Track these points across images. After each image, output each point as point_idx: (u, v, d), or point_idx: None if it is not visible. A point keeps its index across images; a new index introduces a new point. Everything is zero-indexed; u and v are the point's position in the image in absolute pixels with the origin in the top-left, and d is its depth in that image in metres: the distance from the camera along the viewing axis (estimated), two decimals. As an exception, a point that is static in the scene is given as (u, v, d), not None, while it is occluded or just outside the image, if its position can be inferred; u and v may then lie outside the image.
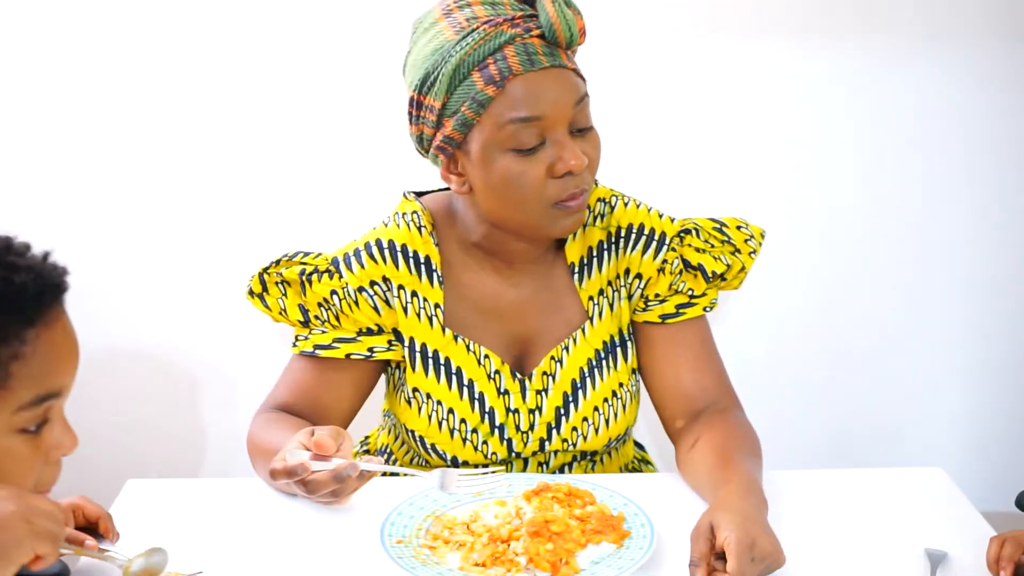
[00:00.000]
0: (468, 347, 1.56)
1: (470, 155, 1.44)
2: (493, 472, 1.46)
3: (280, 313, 1.57)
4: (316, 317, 1.55)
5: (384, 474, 1.66)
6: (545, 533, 1.30)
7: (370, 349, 1.55)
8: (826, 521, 1.42)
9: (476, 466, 1.59)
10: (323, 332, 1.55)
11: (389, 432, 1.70)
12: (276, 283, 1.57)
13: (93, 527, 1.45)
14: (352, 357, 1.55)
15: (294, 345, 1.58)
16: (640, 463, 1.77)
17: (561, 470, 1.61)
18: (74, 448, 1.11)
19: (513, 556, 1.28)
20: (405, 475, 1.54)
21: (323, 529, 1.41)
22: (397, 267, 1.55)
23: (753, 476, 1.38)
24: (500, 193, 1.45)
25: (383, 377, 1.64)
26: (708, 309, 1.60)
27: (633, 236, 1.59)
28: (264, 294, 1.57)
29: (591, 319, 1.59)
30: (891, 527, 1.38)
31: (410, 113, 1.48)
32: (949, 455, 2.43)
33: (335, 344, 1.55)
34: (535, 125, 1.41)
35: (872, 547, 1.35)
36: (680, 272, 1.58)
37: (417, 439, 1.58)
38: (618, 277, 1.60)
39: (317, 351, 1.55)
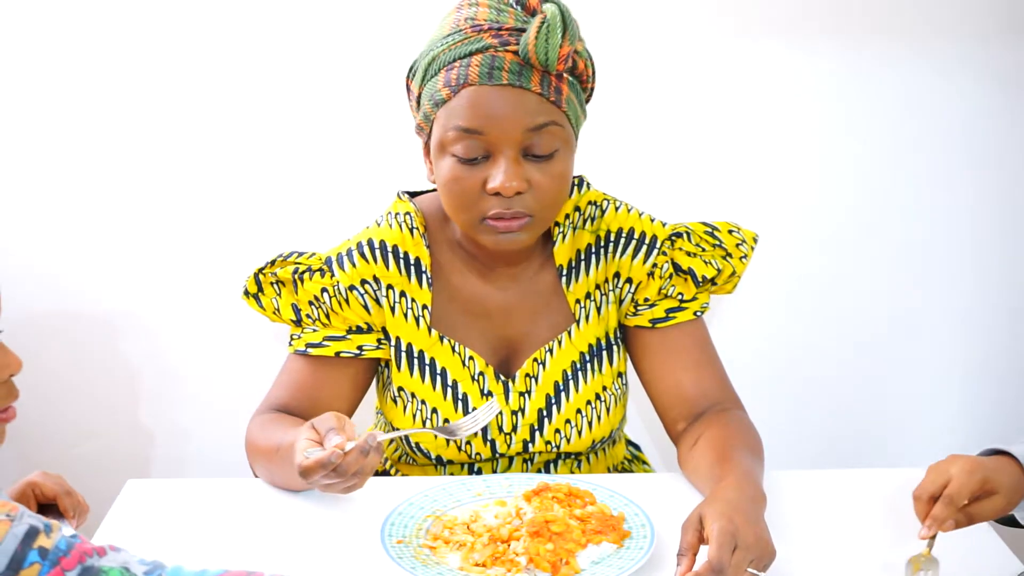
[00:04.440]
0: (453, 348, 1.57)
1: (431, 147, 1.47)
2: (485, 407, 1.46)
3: (274, 313, 1.58)
4: (307, 316, 1.56)
5: (392, 443, 1.69)
6: (545, 533, 1.30)
7: (359, 347, 1.56)
8: (824, 521, 1.42)
9: (462, 465, 1.60)
10: (314, 331, 1.56)
11: (381, 430, 1.70)
12: (271, 283, 1.58)
13: (53, 506, 1.43)
14: (342, 355, 1.56)
15: (289, 344, 1.59)
16: (631, 463, 1.77)
17: (546, 468, 1.62)
18: (19, 367, 1.14)
19: (513, 556, 1.28)
20: (438, 456, 1.58)
21: (323, 529, 1.41)
22: (387, 267, 1.56)
23: (750, 470, 1.38)
24: (444, 191, 1.47)
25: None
26: (699, 313, 1.60)
27: (623, 240, 1.59)
28: (259, 294, 1.59)
29: (577, 322, 1.59)
30: (890, 527, 1.38)
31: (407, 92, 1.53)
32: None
33: (325, 342, 1.55)
34: (476, 138, 1.41)
35: (871, 547, 1.35)
36: (670, 276, 1.58)
37: (403, 438, 1.59)
38: (607, 281, 1.60)
39: (309, 349, 1.56)
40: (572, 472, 1.63)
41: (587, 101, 1.52)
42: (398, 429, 1.59)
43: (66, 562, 0.95)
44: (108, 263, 2.29)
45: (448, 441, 1.56)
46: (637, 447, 1.82)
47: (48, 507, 1.44)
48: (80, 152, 2.23)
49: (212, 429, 2.35)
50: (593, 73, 1.49)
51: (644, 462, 1.81)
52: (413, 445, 1.58)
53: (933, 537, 1.25)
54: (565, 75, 1.43)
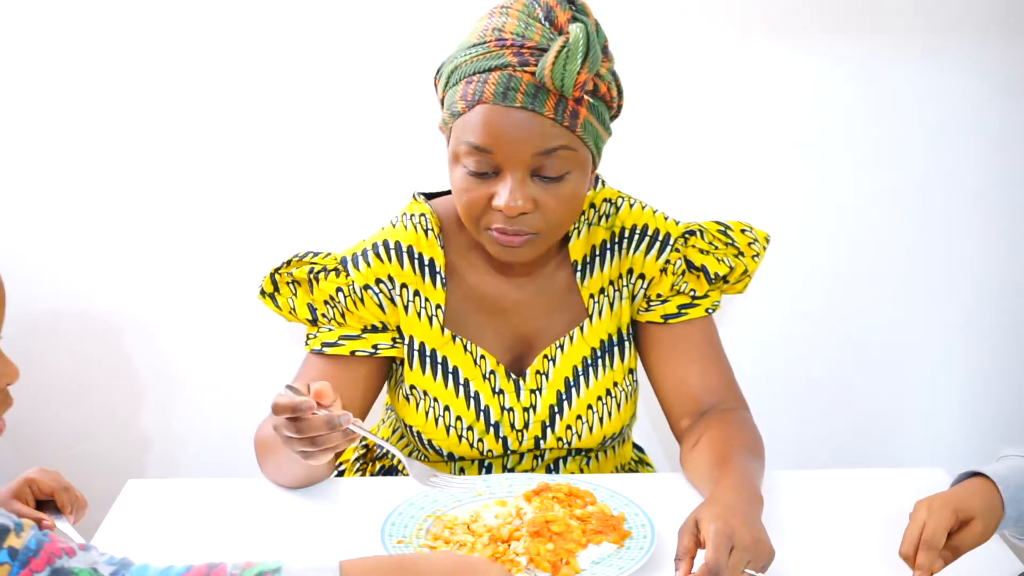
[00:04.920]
0: (465, 347, 1.57)
1: (448, 153, 1.48)
2: (464, 480, 1.49)
3: (290, 312, 1.59)
4: (323, 315, 1.57)
5: (366, 443, 1.74)
6: (546, 533, 1.30)
7: (374, 346, 1.56)
8: (826, 521, 1.42)
9: (472, 461, 1.61)
10: (330, 330, 1.57)
11: (390, 427, 1.71)
12: (287, 283, 1.58)
13: (50, 502, 1.44)
14: (357, 354, 1.56)
15: (305, 344, 1.59)
16: (637, 464, 1.77)
17: (555, 464, 1.62)
18: (16, 377, 1.10)
19: (514, 556, 1.28)
20: (386, 450, 1.60)
21: (323, 529, 1.41)
22: (402, 267, 1.56)
23: (748, 473, 1.38)
24: (455, 198, 1.48)
25: None
26: (711, 311, 1.61)
27: (637, 236, 1.60)
28: (275, 294, 1.59)
29: (590, 317, 1.59)
30: (891, 527, 1.38)
31: None
32: (949, 455, 2.43)
33: (341, 341, 1.56)
34: (485, 156, 1.41)
35: (872, 547, 1.35)
36: (683, 273, 1.59)
37: (415, 434, 1.59)
38: (620, 277, 1.61)
39: (324, 348, 1.56)
40: (581, 469, 1.64)
41: (615, 118, 1.51)
42: (378, 435, 1.59)
43: (35, 563, 0.95)
44: (109, 264, 2.29)
45: (460, 438, 1.57)
46: (641, 450, 1.82)
47: (46, 503, 1.44)
48: (82, 152, 2.23)
49: (210, 432, 2.35)
50: (619, 93, 1.48)
51: (648, 464, 1.81)
52: (425, 441, 1.58)
53: None
54: (585, 98, 1.42)
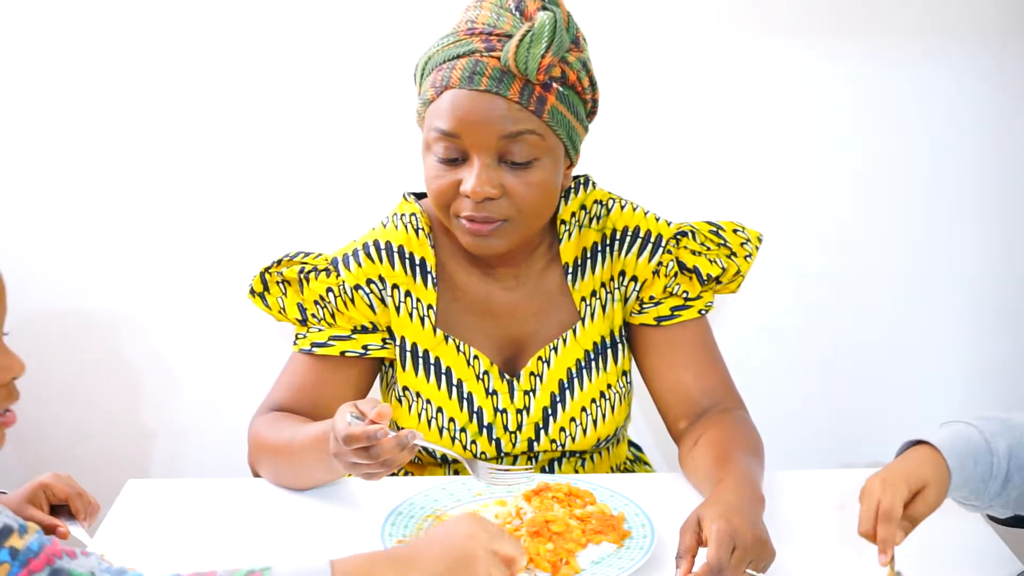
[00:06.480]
0: (458, 348, 1.57)
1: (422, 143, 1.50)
2: (521, 469, 1.48)
3: (280, 312, 1.59)
4: (313, 315, 1.57)
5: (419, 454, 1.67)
6: (545, 533, 1.30)
7: (364, 347, 1.56)
8: (826, 521, 1.42)
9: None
10: (320, 330, 1.57)
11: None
12: (277, 282, 1.58)
13: (64, 507, 1.44)
14: (347, 355, 1.56)
15: (294, 343, 1.59)
16: (633, 463, 1.77)
17: (550, 466, 1.62)
18: (22, 371, 1.10)
19: (513, 556, 1.28)
20: (444, 455, 1.58)
21: (323, 529, 1.41)
22: (393, 267, 1.56)
23: (749, 472, 1.38)
24: (427, 187, 1.49)
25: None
26: (704, 312, 1.61)
27: (628, 238, 1.60)
28: (265, 293, 1.59)
29: (582, 320, 1.59)
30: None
31: None
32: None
33: (331, 342, 1.56)
34: (452, 141, 1.43)
35: (871, 547, 1.35)
36: (675, 275, 1.59)
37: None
38: (612, 279, 1.60)
39: (314, 349, 1.56)
40: (576, 471, 1.64)
41: (591, 114, 1.51)
42: (433, 442, 1.58)
43: (35, 564, 0.95)
44: (112, 266, 2.29)
45: (453, 440, 1.56)
46: (639, 448, 1.82)
47: (59, 508, 1.44)
48: (81, 152, 2.23)
49: (211, 430, 2.35)
50: (592, 85, 1.48)
51: (646, 463, 1.81)
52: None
53: (891, 558, 1.23)
54: (554, 85, 1.43)
